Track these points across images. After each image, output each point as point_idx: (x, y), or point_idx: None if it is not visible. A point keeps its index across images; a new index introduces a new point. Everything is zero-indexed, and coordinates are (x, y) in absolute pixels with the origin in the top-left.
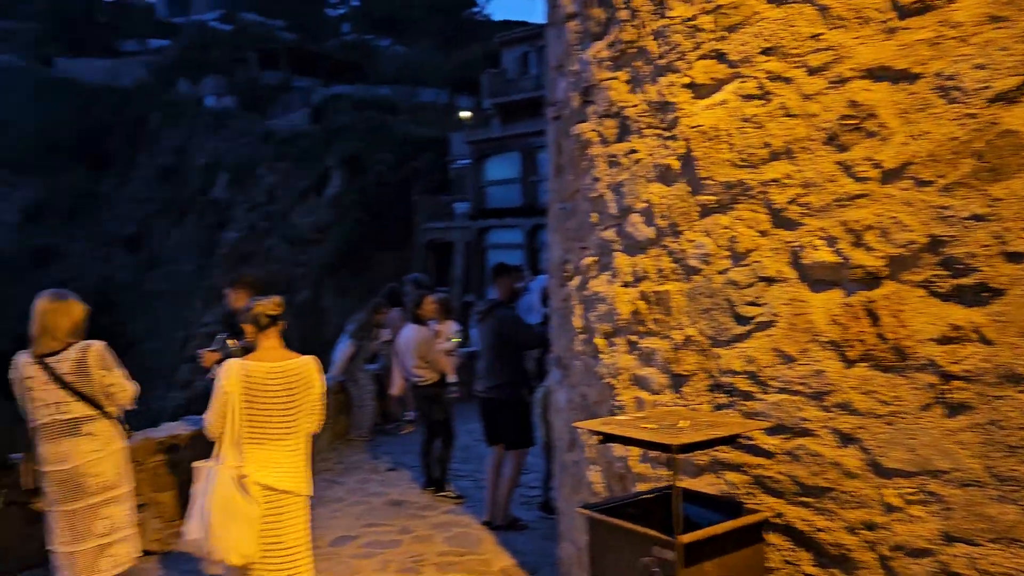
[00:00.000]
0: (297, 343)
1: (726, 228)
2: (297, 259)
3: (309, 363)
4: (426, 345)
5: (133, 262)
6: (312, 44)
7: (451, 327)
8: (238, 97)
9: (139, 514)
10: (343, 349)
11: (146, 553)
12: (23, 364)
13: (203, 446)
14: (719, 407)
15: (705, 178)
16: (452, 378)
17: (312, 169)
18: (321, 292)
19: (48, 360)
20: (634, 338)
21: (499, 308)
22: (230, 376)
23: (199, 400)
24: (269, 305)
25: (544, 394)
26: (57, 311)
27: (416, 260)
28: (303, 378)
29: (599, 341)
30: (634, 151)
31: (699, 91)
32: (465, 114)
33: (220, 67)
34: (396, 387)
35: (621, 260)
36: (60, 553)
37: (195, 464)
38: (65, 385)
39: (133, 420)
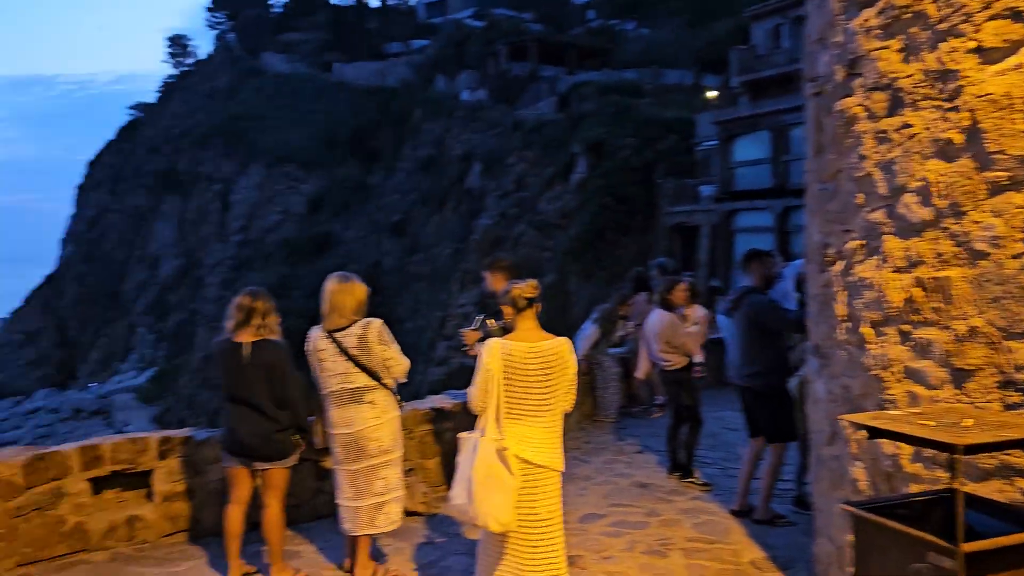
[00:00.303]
0: (543, 325)
1: (1021, 208)
2: (544, 244)
3: (564, 344)
4: (671, 329)
5: (398, 247)
6: (558, 34)
7: (697, 311)
8: (489, 90)
9: (408, 478)
10: (586, 335)
11: (413, 514)
12: (316, 338)
13: (464, 418)
14: (1011, 406)
15: (995, 152)
16: (699, 357)
17: (558, 156)
18: (566, 276)
19: (336, 335)
20: (907, 328)
21: (752, 294)
22: (492, 354)
23: (456, 376)
24: (526, 288)
25: (799, 384)
26: (343, 291)
27: (660, 244)
28: (559, 358)
29: (866, 330)
30: (908, 125)
31: (988, 56)
32: (711, 93)
33: (474, 62)
34: (641, 371)
35: (892, 244)
36: (345, 507)
37: (460, 435)
38: (350, 358)
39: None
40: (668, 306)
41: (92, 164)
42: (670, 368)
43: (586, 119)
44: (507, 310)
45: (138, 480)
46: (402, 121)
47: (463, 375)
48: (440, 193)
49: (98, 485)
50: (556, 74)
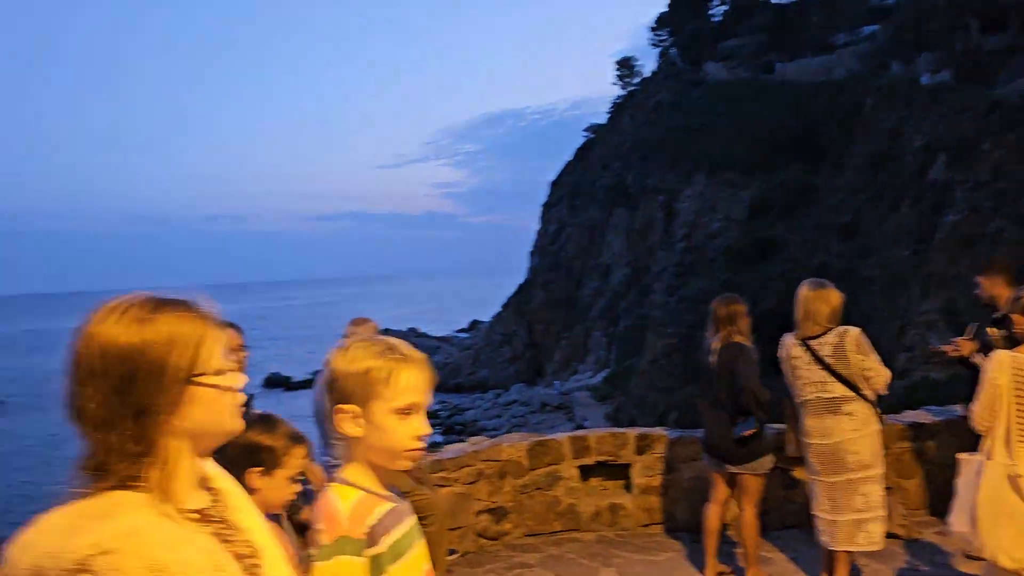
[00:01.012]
0: None
1: None
2: None
3: None
4: None
5: (846, 250)
6: None
7: None
8: (955, 69)
9: (886, 497)
10: None
11: (891, 536)
12: (789, 345)
13: (947, 437)
14: None
15: None
16: None
17: None
18: None
19: (811, 342)
20: None
21: None
22: (1000, 368)
23: (918, 389)
24: None
25: None
26: (817, 298)
27: None
28: None
29: None
30: None
31: None
32: None
33: (934, 42)
34: None
35: None
36: (822, 519)
37: (960, 456)
38: (826, 366)
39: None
40: None
41: (553, 184)
42: None
43: None
44: (1018, 319)
45: (618, 471)
46: (850, 115)
47: (926, 389)
48: (896, 189)
49: (584, 473)
50: None
